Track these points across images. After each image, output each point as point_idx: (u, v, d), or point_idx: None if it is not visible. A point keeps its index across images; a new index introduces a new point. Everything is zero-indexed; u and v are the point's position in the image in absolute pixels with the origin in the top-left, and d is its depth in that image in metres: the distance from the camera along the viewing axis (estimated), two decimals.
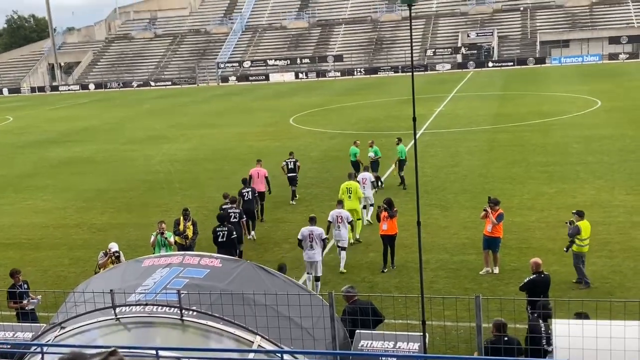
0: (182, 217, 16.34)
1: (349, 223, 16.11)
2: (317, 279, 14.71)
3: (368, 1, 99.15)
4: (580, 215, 14.37)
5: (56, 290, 12.98)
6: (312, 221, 14.83)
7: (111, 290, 7.72)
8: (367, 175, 20.08)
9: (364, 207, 19.42)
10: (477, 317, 8.29)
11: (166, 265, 8.90)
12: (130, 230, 20.38)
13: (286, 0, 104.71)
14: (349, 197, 17.83)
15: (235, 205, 17.11)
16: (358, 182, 18.92)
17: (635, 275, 14.33)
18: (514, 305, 11.82)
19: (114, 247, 14.10)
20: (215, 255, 9.80)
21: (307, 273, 14.81)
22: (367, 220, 19.37)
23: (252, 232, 18.77)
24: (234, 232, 15.43)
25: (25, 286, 12.76)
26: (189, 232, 16.14)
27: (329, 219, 16.02)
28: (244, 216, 17.13)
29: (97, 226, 21.27)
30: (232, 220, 16.18)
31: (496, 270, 14.95)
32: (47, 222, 22.14)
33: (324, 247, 14.97)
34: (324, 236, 14.66)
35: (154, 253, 14.12)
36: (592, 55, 79.43)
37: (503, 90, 53.82)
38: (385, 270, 15.57)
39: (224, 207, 17.01)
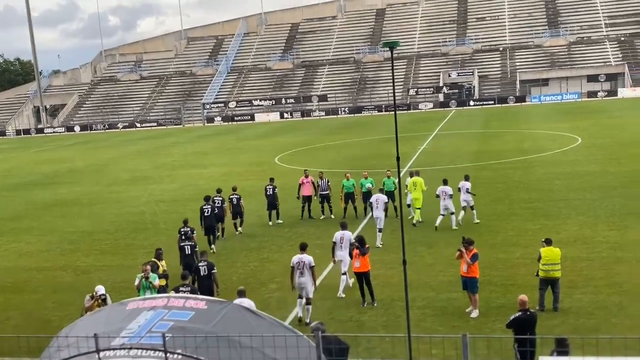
0: (156, 259, 16.35)
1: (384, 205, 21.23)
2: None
3: (351, 43, 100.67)
4: (547, 242, 14.87)
5: (40, 335, 12.79)
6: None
7: (95, 334, 7.66)
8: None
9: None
10: (465, 356, 8.28)
11: (151, 307, 8.86)
12: (116, 272, 20.21)
13: (271, 42, 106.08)
14: (415, 188, 23.04)
15: (220, 195, 23.19)
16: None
17: (621, 311, 14.39)
18: (501, 343, 11.83)
19: (100, 290, 13.94)
20: (201, 297, 9.77)
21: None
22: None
23: (278, 220, 24.87)
24: (216, 210, 21.90)
25: None
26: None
27: (371, 200, 21.78)
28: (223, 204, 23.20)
29: (81, 268, 21.08)
30: (215, 204, 22.31)
31: (474, 314, 14.65)
32: (32, 265, 21.91)
33: (386, 210, 21.38)
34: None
35: (138, 296, 14.01)
36: (571, 93, 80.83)
37: (485, 129, 54.49)
38: (364, 305, 15.68)
39: (214, 197, 22.87)
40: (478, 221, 22.74)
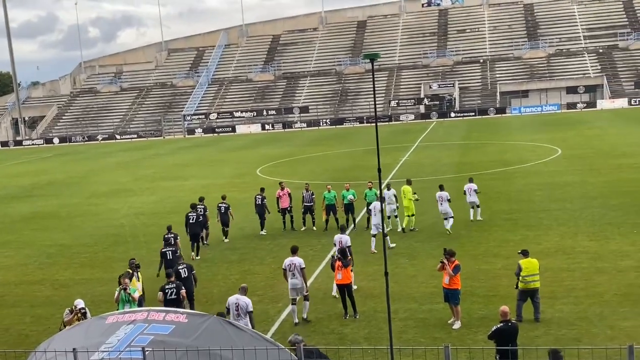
0: (131, 271, 16.21)
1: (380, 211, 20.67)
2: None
3: (332, 54, 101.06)
4: (524, 254, 14.99)
5: (18, 350, 12.60)
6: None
7: (74, 349, 7.54)
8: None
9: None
10: None
11: (130, 321, 8.74)
12: (95, 285, 19.97)
13: (252, 54, 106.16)
14: (404, 197, 23.72)
15: (202, 203, 23.69)
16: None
17: (601, 321, 14.46)
18: (483, 354, 11.82)
19: (80, 303, 13.76)
20: (181, 310, 9.68)
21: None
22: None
23: (262, 232, 24.88)
24: (201, 217, 22.65)
25: None
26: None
27: (370, 208, 21.89)
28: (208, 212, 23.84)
29: (60, 282, 20.80)
30: (199, 212, 22.91)
31: (456, 326, 14.62)
32: (9, 279, 21.59)
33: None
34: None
35: (118, 309, 13.86)
36: (550, 105, 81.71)
37: (466, 140, 54.85)
38: (346, 317, 15.67)
39: (197, 206, 23.39)
40: (481, 219, 24.35)
